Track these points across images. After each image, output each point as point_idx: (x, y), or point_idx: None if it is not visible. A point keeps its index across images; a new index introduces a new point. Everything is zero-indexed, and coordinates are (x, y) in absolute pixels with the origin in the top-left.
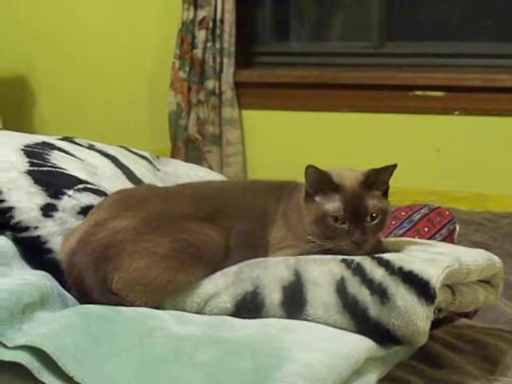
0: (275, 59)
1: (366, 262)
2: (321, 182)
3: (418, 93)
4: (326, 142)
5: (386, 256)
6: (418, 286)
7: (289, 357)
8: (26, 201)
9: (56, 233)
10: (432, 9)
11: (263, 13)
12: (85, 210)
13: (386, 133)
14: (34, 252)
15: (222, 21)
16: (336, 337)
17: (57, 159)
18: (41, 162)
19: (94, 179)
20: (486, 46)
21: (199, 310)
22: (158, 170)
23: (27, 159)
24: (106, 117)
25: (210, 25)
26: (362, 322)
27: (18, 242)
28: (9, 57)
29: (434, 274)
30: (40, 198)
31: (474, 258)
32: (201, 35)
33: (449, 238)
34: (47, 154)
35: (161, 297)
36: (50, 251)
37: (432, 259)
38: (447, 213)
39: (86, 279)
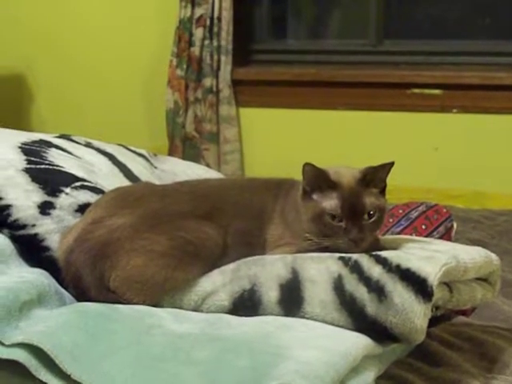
0: (272, 57)
1: (364, 260)
2: (318, 179)
3: (416, 91)
4: (324, 140)
5: (384, 254)
6: (416, 283)
7: (286, 354)
8: (24, 199)
9: (53, 231)
10: (430, 7)
11: (260, 10)
12: (82, 208)
13: (384, 131)
14: (32, 250)
15: (219, 19)
16: (333, 334)
17: (54, 157)
18: (38, 159)
19: (92, 177)
20: (484, 44)
21: (196, 308)
22: (155, 167)
23: (24, 157)
24: (103, 115)
25: (208, 23)
26: (359, 320)
27: (15, 239)
28: (7, 55)
29: (432, 272)
30: (37, 195)
31: (472, 256)
32: (198, 33)
33: (446, 236)
34: (44, 152)
35: (158, 295)
36: (47, 249)
37: (429, 257)
38: (445, 210)
39: (83, 277)
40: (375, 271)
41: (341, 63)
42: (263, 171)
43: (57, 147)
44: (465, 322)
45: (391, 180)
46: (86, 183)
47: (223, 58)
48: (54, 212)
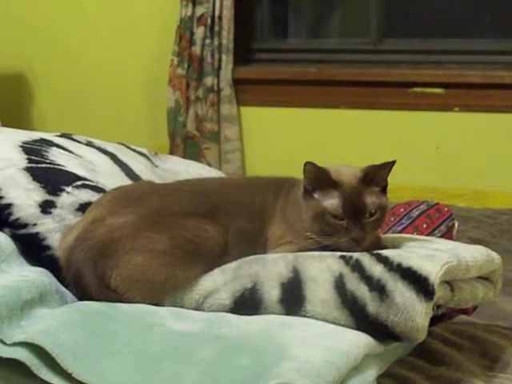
0: (274, 56)
1: (365, 259)
2: (319, 178)
3: (417, 89)
4: (325, 139)
5: (385, 252)
6: (417, 282)
7: (287, 353)
8: (25, 197)
9: (54, 229)
10: (431, 5)
11: (261, 9)
12: (83, 207)
13: (385, 129)
14: (33, 249)
15: (220, 17)
16: (335, 333)
17: (55, 156)
18: (39, 158)
19: (93, 176)
20: (486, 43)
21: (198, 307)
22: (156, 166)
23: (25, 156)
24: (104, 114)
25: (209, 21)
26: (360, 319)
27: (16, 238)
28: (7, 54)
29: (433, 271)
30: (38, 194)
31: (473, 255)
32: (199, 32)
33: (447, 235)
34: (45, 151)
35: (159, 293)
36: (48, 248)
37: (431, 255)
38: (446, 209)
39: (84, 276)
40: (376, 270)
41: (342, 62)
42: (264, 170)
43: (58, 146)
44: (466, 320)
45: (392, 179)
46: (87, 182)
47: (224, 56)
48: (55, 211)
